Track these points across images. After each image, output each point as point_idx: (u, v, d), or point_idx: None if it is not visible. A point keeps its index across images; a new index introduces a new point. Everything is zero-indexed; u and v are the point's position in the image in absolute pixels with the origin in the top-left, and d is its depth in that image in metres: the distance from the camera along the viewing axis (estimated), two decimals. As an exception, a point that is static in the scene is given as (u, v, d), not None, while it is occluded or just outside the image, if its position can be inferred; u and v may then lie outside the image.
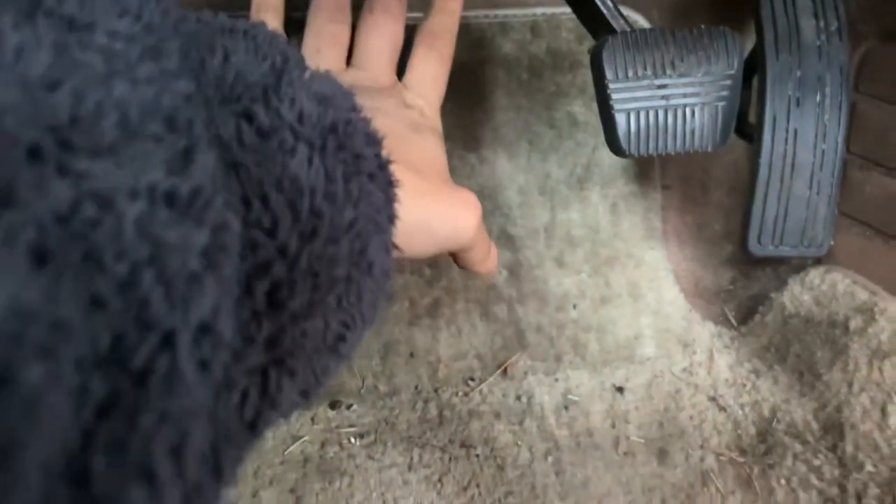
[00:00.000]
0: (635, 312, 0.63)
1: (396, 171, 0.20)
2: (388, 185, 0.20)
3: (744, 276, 0.66)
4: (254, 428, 0.15)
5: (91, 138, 0.11)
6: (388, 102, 0.32)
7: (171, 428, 0.11)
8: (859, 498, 0.50)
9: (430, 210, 0.24)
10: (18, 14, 0.11)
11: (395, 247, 0.20)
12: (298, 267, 0.15)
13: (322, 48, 0.35)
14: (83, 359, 0.10)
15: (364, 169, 0.18)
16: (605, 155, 0.65)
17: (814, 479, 0.51)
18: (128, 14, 0.13)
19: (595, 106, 0.51)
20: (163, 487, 0.10)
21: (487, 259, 0.31)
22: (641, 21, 0.61)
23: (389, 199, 0.20)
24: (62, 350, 0.09)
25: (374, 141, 0.20)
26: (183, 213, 0.12)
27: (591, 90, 0.52)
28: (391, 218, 0.20)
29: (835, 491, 0.51)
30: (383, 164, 0.20)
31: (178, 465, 0.11)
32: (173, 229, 0.11)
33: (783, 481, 0.52)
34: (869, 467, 0.51)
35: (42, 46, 0.11)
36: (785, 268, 0.64)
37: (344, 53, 0.36)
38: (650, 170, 0.67)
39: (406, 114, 0.31)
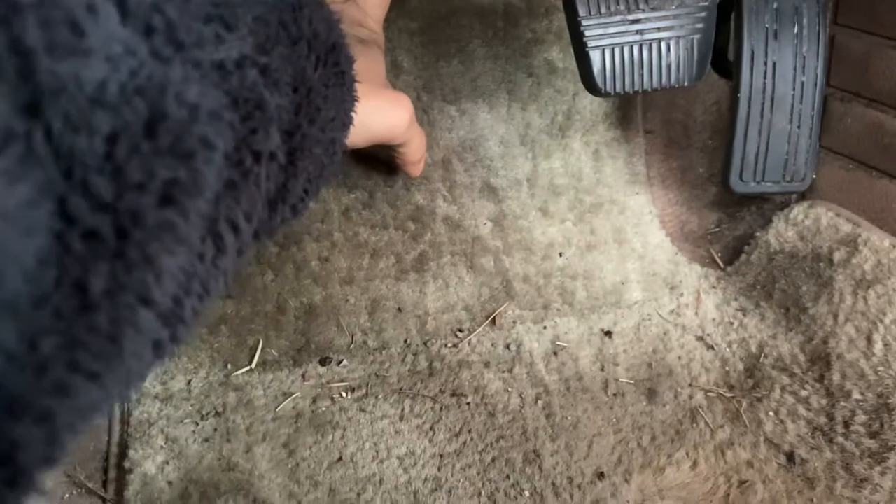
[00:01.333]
0: (621, 258, 0.63)
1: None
2: (354, 99, 0.26)
3: (729, 218, 0.66)
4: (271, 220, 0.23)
5: (235, 18, 0.18)
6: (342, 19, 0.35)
7: (252, 196, 0.18)
8: (847, 425, 0.50)
9: (368, 109, 0.28)
10: None
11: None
12: (306, 140, 0.22)
13: None
14: (227, 145, 0.16)
15: (345, 82, 0.25)
16: (586, 101, 0.65)
17: (802, 410, 0.52)
18: None
19: (573, 52, 0.51)
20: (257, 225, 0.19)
21: (420, 162, 0.37)
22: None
23: (351, 109, 0.26)
24: (226, 128, 0.16)
25: (350, 63, 0.26)
26: (267, 80, 0.19)
27: (567, 36, 0.51)
28: (349, 123, 0.26)
29: (823, 420, 0.51)
30: (353, 82, 0.26)
31: (247, 218, 0.18)
32: (266, 90, 0.18)
33: (771, 413, 0.52)
34: (856, 395, 0.51)
35: None
36: (770, 206, 0.64)
37: None
38: (632, 114, 0.67)
39: (356, 30, 0.35)
